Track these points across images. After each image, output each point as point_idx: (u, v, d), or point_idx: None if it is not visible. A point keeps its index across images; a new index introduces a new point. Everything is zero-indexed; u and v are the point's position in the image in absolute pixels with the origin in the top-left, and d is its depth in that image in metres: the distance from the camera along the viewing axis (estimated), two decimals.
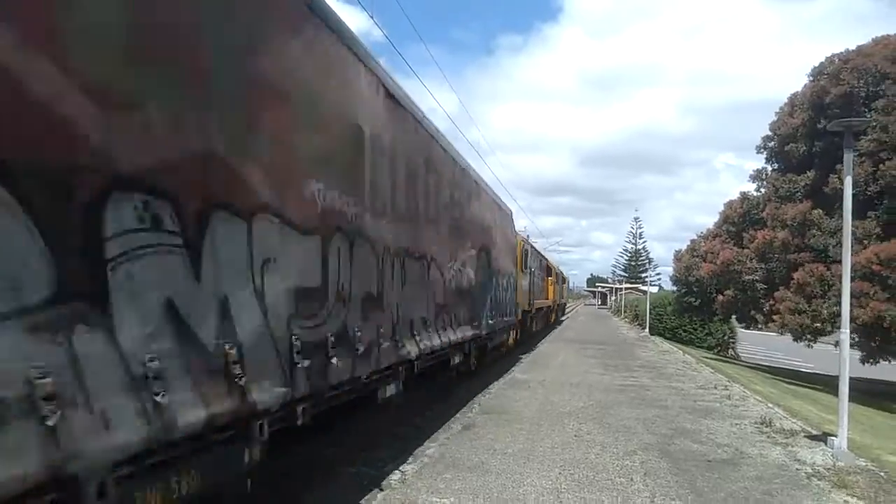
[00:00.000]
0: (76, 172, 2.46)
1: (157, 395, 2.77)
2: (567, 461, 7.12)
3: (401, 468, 6.68)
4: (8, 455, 2.07)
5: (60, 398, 2.26)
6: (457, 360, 9.99)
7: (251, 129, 3.68)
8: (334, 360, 4.63)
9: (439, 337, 8.05)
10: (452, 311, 9.02)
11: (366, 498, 5.75)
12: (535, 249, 26.37)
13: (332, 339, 4.65)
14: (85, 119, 2.49)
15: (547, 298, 29.43)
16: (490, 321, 12.26)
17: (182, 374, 3.00)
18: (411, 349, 6.74)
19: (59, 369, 2.29)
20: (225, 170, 3.41)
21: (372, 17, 10.85)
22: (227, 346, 3.36)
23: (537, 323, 25.78)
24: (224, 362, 3.34)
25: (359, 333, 5.19)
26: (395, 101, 6.25)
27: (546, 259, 31.45)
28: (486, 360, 13.71)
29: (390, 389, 6.55)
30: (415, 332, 6.97)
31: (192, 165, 3.16)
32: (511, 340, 17.13)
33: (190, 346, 3.09)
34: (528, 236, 27.76)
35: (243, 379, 3.44)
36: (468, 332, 10.06)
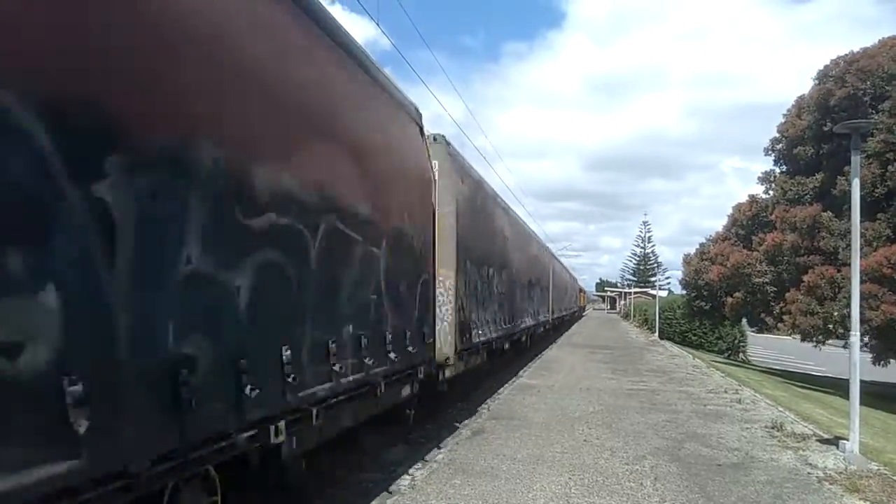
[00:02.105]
0: None
1: (388, 353, 6.10)
2: (576, 466, 7.11)
3: (410, 473, 6.70)
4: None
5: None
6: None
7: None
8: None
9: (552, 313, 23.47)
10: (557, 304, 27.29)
11: (375, 502, 5.76)
12: (577, 280, 56.45)
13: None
14: None
15: (581, 302, 67.47)
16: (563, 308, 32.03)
17: (400, 343, 6.55)
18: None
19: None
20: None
21: (378, 25, 10.92)
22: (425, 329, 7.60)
23: (579, 313, 56.47)
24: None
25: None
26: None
27: (578, 282, 60.92)
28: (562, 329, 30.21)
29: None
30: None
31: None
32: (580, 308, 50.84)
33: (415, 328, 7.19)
34: (584, 279, 43.22)
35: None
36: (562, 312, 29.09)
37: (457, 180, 9.39)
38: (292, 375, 4.10)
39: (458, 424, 9.41)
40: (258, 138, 3.93)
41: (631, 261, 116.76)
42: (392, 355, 6.16)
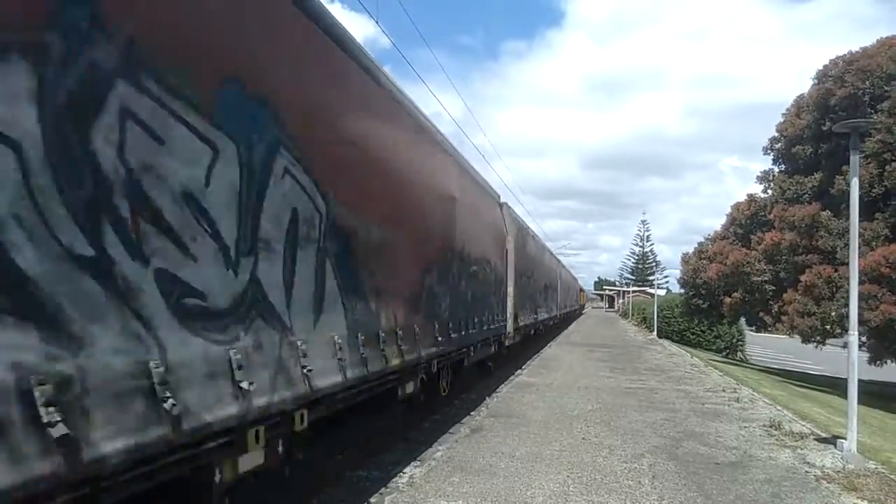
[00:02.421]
0: None
1: (493, 325, 12.36)
2: (575, 464, 7.12)
3: (409, 471, 6.71)
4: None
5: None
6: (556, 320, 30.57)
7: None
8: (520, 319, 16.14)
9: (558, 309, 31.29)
10: (563, 302, 35.32)
11: (373, 501, 5.77)
12: (577, 281, 60.30)
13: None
14: None
15: (581, 301, 72.92)
16: (566, 305, 39.32)
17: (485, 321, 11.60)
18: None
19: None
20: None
21: (378, 23, 10.92)
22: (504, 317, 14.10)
23: (579, 310, 65.48)
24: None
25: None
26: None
27: (579, 283, 68.37)
28: (566, 322, 38.27)
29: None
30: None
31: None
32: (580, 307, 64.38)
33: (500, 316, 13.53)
34: (582, 277, 46.43)
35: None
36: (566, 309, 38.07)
37: (512, 230, 15.10)
38: (471, 327, 10.14)
39: (457, 422, 9.41)
40: (468, 238, 9.95)
41: (629, 259, 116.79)
42: (494, 326, 12.45)
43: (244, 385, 3.52)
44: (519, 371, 15.70)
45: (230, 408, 3.44)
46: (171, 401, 2.92)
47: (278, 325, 4.04)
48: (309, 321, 4.46)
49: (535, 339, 21.28)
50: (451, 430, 8.85)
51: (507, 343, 14.32)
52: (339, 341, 4.86)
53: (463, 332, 9.35)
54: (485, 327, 11.30)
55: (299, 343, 4.23)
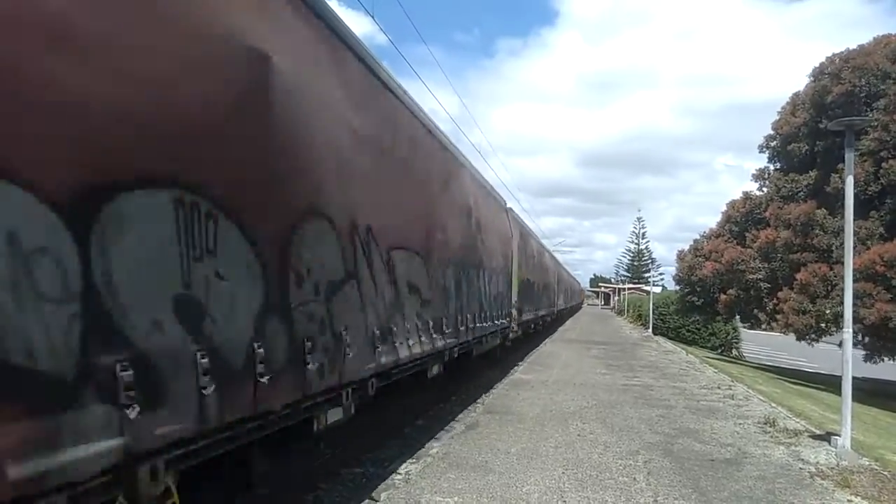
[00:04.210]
0: None
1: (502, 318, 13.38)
2: (570, 461, 7.14)
3: (405, 468, 6.71)
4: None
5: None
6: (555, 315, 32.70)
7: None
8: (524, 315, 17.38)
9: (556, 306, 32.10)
10: (563, 299, 38.77)
11: (369, 497, 5.77)
12: (578, 282, 72.10)
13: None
14: None
15: (581, 298, 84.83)
16: (563, 302, 38.39)
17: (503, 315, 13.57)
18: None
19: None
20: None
21: (374, 18, 10.89)
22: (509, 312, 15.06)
23: (579, 305, 73.95)
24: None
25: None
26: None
27: (578, 282, 78.75)
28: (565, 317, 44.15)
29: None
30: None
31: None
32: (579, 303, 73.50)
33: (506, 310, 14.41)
34: (578, 274, 48.82)
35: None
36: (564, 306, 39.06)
37: (516, 233, 16.31)
38: (483, 321, 11.00)
39: (452, 419, 9.42)
40: (483, 244, 11.18)
41: (625, 257, 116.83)
42: (502, 321, 13.44)
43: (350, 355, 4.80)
44: (515, 368, 15.72)
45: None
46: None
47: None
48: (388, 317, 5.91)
49: (532, 335, 21.92)
50: (446, 427, 8.86)
51: (510, 336, 15.34)
52: (409, 327, 6.52)
53: (476, 325, 10.30)
54: (492, 322, 12.16)
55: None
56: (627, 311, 58.84)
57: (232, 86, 3.44)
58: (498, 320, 12.79)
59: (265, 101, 3.73)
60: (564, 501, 5.79)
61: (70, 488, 2.32)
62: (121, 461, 2.50)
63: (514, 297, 15.45)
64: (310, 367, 4.13)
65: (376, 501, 5.66)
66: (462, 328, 9.15)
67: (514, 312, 15.36)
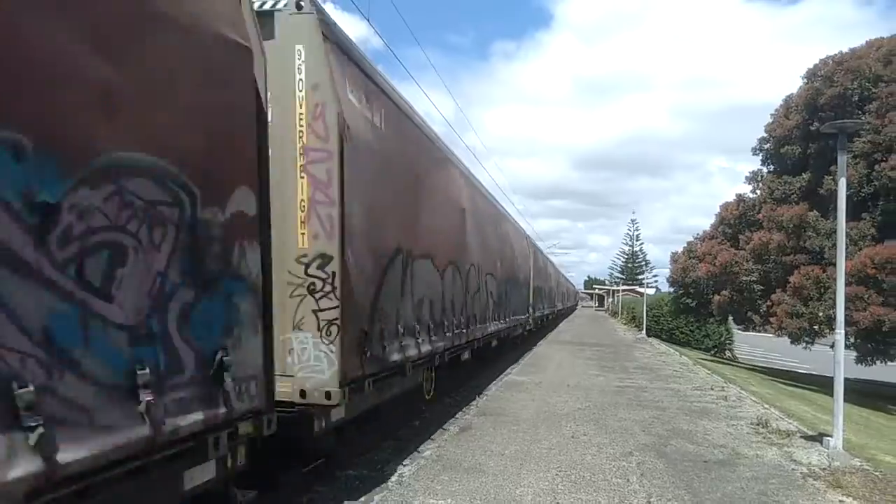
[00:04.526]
0: None
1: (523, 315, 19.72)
2: (564, 462, 7.15)
3: (398, 469, 6.71)
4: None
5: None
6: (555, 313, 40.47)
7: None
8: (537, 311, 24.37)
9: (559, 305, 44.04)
10: (560, 301, 46.00)
11: (362, 500, 5.76)
12: (573, 285, 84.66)
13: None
14: None
15: (576, 300, 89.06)
16: (561, 304, 46.37)
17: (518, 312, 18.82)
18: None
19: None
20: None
21: (369, 21, 10.89)
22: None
23: (574, 307, 78.46)
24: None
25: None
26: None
27: (573, 285, 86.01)
28: (560, 318, 48.08)
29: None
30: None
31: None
32: (574, 305, 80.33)
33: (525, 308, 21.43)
34: (572, 276, 54.38)
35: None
36: (562, 306, 47.94)
37: (531, 254, 22.01)
38: (505, 316, 15.96)
39: (446, 420, 9.42)
40: (517, 265, 18.49)
41: (619, 258, 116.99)
42: (525, 315, 20.80)
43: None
44: (509, 370, 15.73)
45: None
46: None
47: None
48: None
49: (534, 331, 25.63)
50: (440, 429, 8.85)
51: (528, 328, 21.66)
52: (489, 315, 12.84)
53: (513, 317, 16.81)
54: (521, 316, 18.69)
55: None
56: (621, 312, 58.95)
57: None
58: (522, 315, 19.39)
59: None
60: (558, 503, 5.80)
61: None
62: None
63: (531, 300, 22.07)
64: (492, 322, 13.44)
65: None
66: (510, 317, 16.47)
67: (531, 310, 21.71)
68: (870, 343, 19.50)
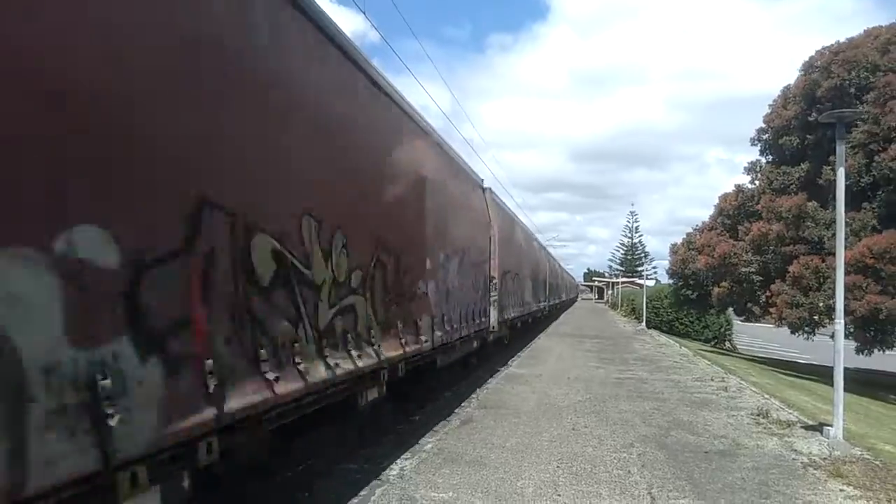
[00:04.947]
0: None
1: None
2: (565, 454, 7.16)
3: (399, 463, 6.71)
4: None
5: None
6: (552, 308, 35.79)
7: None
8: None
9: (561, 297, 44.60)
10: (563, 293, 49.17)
11: (363, 493, 5.77)
12: (573, 278, 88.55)
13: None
14: None
15: (577, 292, 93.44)
16: (562, 295, 47.18)
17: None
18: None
19: None
20: None
21: (365, 15, 10.85)
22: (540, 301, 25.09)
23: (575, 298, 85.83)
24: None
25: None
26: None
27: (574, 279, 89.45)
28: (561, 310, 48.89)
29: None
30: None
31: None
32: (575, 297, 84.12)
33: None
34: (571, 268, 54.03)
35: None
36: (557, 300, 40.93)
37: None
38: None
39: (447, 414, 9.43)
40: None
41: (618, 251, 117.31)
42: (544, 303, 27.93)
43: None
44: (509, 362, 15.75)
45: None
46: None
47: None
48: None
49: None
50: (441, 422, 8.86)
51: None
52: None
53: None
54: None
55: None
56: (621, 304, 59.03)
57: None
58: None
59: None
60: (559, 495, 5.81)
61: None
62: None
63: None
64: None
65: (371, 498, 5.66)
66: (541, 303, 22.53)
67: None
68: (868, 332, 19.53)
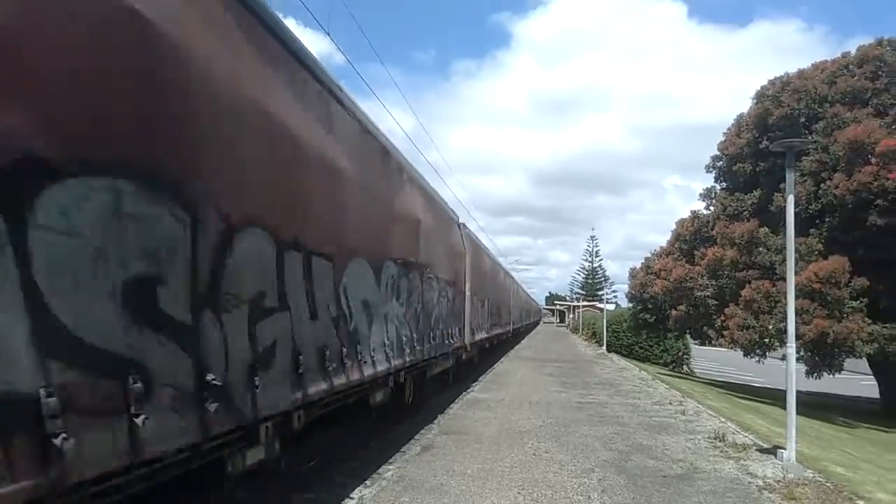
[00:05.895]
0: None
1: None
2: (526, 480, 7.13)
3: (358, 492, 6.59)
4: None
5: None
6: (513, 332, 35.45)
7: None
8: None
9: (513, 324, 34.55)
10: (523, 317, 47.84)
11: None
12: (535, 302, 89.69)
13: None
14: None
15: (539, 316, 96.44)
16: (526, 319, 53.00)
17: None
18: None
19: None
20: None
21: (330, 37, 10.89)
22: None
23: (536, 322, 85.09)
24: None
25: None
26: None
27: (536, 303, 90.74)
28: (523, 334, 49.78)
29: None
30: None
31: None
32: (537, 321, 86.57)
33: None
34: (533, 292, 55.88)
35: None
36: (520, 324, 43.41)
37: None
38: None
39: (408, 440, 9.32)
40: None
41: (579, 274, 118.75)
42: (508, 326, 30.43)
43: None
44: (471, 387, 15.69)
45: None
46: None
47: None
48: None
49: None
50: (402, 449, 8.75)
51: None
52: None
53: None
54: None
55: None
56: (582, 328, 59.49)
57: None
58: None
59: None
60: None
61: None
62: None
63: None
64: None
65: None
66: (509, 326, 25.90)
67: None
68: (816, 355, 20.05)
